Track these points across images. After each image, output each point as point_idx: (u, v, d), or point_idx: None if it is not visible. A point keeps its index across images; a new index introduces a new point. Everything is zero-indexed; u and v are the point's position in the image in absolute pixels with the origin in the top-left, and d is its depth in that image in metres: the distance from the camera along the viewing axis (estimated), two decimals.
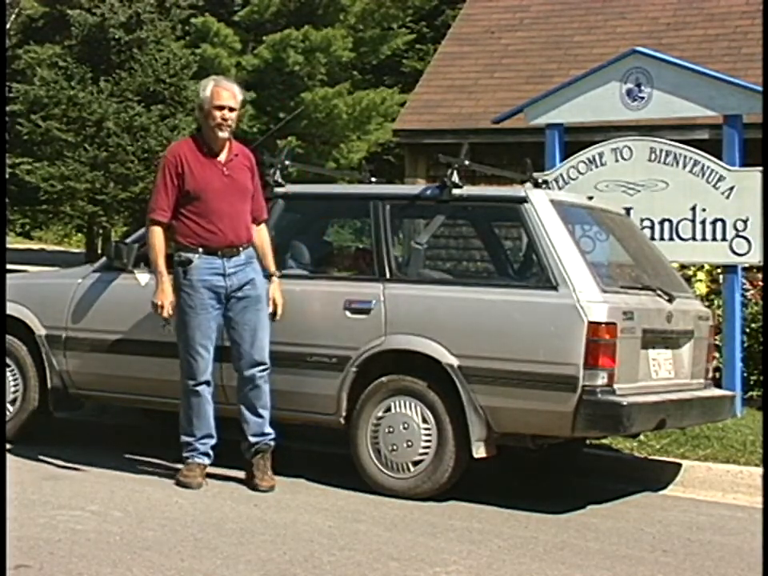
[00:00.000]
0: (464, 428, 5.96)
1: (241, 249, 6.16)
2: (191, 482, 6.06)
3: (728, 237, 8.11)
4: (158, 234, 6.11)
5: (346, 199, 7.00)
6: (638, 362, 6.08)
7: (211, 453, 6.20)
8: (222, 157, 6.19)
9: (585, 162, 8.53)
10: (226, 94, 6.15)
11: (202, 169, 6.12)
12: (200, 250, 6.09)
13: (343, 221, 7.06)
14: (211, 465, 6.22)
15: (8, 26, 25.22)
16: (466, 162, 6.46)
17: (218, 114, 6.11)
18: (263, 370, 6.15)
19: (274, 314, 6.25)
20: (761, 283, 9.57)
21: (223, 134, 6.13)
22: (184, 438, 6.19)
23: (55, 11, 25.21)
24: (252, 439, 6.15)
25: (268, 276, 6.28)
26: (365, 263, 6.63)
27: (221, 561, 4.67)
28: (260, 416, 6.16)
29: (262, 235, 6.35)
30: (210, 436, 6.19)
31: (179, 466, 6.23)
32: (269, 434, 6.19)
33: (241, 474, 6.31)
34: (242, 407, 6.17)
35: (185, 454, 6.18)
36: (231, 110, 6.14)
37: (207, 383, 6.14)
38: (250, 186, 6.27)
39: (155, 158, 21.77)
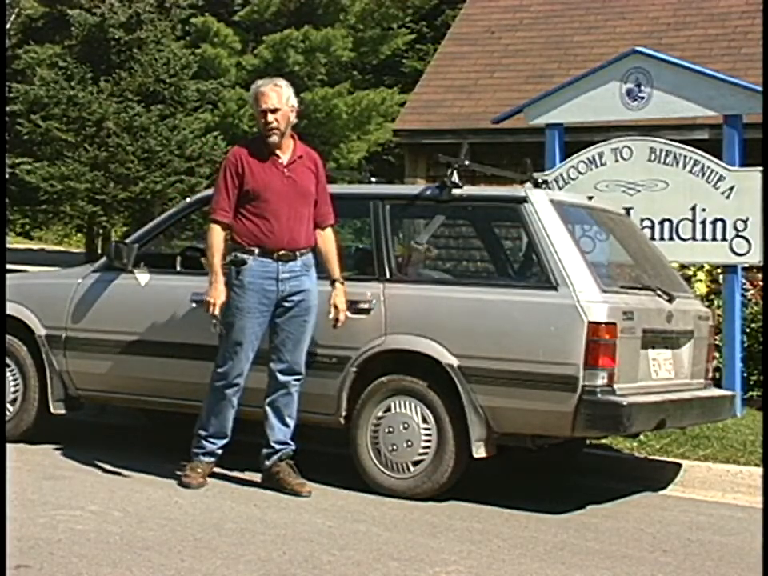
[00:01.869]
0: (464, 428, 5.95)
1: (298, 254, 6.10)
2: (191, 482, 6.06)
3: (728, 237, 8.11)
4: (216, 233, 6.08)
5: (345, 199, 6.99)
6: (638, 362, 6.08)
7: (219, 452, 6.19)
8: (285, 158, 6.14)
9: (585, 162, 8.52)
10: (264, 98, 6.10)
11: (262, 169, 6.09)
12: (256, 251, 6.04)
13: (343, 221, 7.05)
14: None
15: (8, 26, 25.22)
16: (466, 162, 6.46)
17: (261, 119, 6.11)
18: (297, 380, 6.15)
19: (336, 320, 6.11)
20: (761, 283, 9.57)
21: (272, 139, 6.08)
22: (197, 431, 6.20)
23: (55, 11, 25.21)
24: (276, 446, 6.13)
25: (332, 282, 6.17)
26: (365, 263, 6.62)
27: (221, 561, 4.67)
28: (286, 425, 6.15)
29: (327, 240, 6.24)
30: (223, 436, 6.18)
31: (180, 465, 6.23)
32: (290, 444, 6.17)
33: (242, 475, 6.32)
34: (270, 411, 6.14)
35: (193, 449, 6.19)
36: (274, 111, 6.07)
37: (237, 387, 6.11)
38: (312, 189, 6.18)
39: (155, 158, 21.80)
